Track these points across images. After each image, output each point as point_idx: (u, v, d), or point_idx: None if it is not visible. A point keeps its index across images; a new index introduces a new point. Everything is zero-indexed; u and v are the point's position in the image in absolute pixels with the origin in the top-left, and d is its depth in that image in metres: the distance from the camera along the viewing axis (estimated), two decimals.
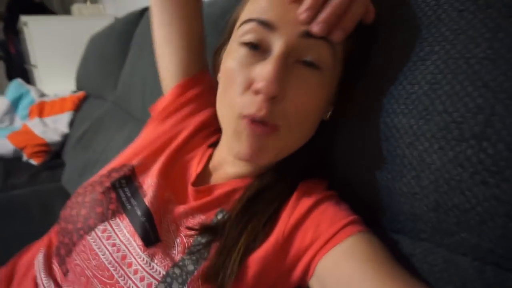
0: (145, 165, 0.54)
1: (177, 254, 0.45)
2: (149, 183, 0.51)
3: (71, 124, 1.81)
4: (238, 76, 0.42)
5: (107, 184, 0.51)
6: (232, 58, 0.44)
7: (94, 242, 0.46)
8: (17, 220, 1.13)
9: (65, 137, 1.75)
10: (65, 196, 1.31)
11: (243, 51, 0.43)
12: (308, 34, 0.40)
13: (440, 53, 0.39)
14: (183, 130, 0.59)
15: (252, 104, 0.41)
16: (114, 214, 0.48)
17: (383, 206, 0.46)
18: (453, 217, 0.37)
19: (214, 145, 0.58)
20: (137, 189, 0.51)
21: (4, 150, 1.67)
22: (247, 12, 0.44)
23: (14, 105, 2.02)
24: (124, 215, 0.48)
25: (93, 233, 0.46)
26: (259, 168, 0.51)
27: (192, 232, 0.46)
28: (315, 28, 0.39)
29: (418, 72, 0.41)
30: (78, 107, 1.88)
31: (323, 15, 0.39)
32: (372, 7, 0.42)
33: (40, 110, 1.91)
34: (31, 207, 1.20)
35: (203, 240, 0.45)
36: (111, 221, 0.47)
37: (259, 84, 0.39)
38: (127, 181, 0.52)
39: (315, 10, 0.39)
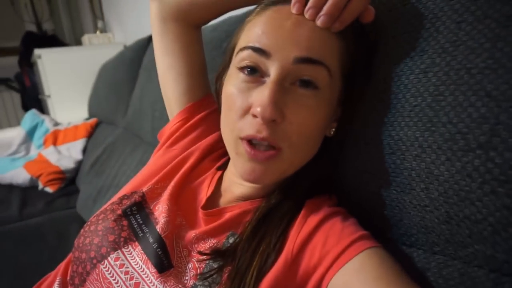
0: (155, 191, 0.55)
1: (190, 280, 0.45)
2: (160, 209, 0.52)
3: (84, 150, 1.84)
4: (237, 101, 0.44)
5: (119, 211, 0.51)
6: (232, 83, 0.46)
7: (107, 271, 0.46)
8: (33, 247, 1.15)
9: (79, 164, 1.78)
10: (80, 222, 1.33)
11: (241, 76, 0.44)
12: (300, 60, 0.41)
13: (441, 65, 0.39)
14: (191, 155, 0.59)
15: (251, 126, 0.42)
16: (126, 242, 0.48)
17: (394, 220, 0.46)
18: (465, 228, 0.37)
19: (223, 167, 0.59)
20: (148, 215, 0.52)
21: (21, 179, 1.71)
22: (244, 39, 0.46)
23: (30, 134, 2.07)
24: (136, 243, 0.48)
25: (106, 261, 0.47)
26: (266, 188, 0.51)
27: (204, 257, 0.46)
28: (318, 21, 0.41)
29: (420, 84, 0.41)
30: (91, 134, 1.92)
31: (326, 7, 0.40)
32: (372, 8, 0.43)
33: (55, 138, 1.96)
34: (46, 235, 1.22)
35: (215, 265, 0.45)
36: (123, 249, 0.47)
37: (256, 109, 0.41)
38: (138, 208, 0.52)
39: (318, 9, 0.41)
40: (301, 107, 0.42)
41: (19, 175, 1.72)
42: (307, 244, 0.44)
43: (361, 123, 0.48)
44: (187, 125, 0.63)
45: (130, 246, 0.48)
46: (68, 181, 1.74)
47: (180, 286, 0.44)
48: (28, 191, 1.65)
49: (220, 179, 0.57)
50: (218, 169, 0.59)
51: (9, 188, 1.69)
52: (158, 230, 0.49)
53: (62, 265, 0.58)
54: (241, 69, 0.44)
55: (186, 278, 0.45)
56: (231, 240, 0.48)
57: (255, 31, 0.44)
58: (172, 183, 0.55)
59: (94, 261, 0.47)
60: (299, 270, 0.43)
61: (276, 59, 0.41)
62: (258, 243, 0.45)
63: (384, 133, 0.44)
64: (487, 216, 0.34)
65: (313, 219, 0.45)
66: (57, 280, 0.55)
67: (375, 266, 0.39)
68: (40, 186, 1.67)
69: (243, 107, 0.43)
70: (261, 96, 0.41)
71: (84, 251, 0.49)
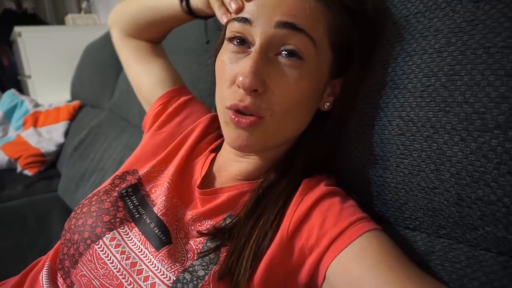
0: (151, 174, 0.55)
1: (187, 260, 0.44)
2: (157, 192, 0.52)
3: (66, 133, 1.78)
4: (227, 71, 0.45)
5: (114, 193, 0.51)
6: (223, 54, 0.47)
7: (102, 251, 0.45)
8: (13, 230, 1.11)
9: (61, 147, 1.73)
10: (61, 206, 1.29)
11: (231, 47, 0.45)
12: (283, 24, 0.41)
13: (457, 44, 0.38)
14: (186, 140, 0.60)
15: (235, 95, 0.43)
16: (122, 222, 0.48)
17: (399, 203, 0.45)
18: (476, 210, 0.36)
19: (216, 150, 0.58)
20: (144, 197, 0.52)
21: None
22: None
23: (8, 115, 1.99)
24: (132, 224, 0.48)
25: (100, 241, 0.46)
26: (262, 165, 0.51)
27: (201, 238, 0.46)
28: None
29: (434, 64, 0.40)
30: (73, 116, 1.85)
31: None
32: None
33: (35, 120, 1.88)
34: (26, 218, 1.18)
35: (213, 245, 0.45)
36: (119, 229, 0.47)
37: (239, 79, 0.42)
38: (134, 190, 0.52)
39: None
40: (284, 78, 0.43)
41: None
42: (304, 224, 0.43)
43: (368, 103, 0.47)
44: (170, 109, 0.64)
45: (126, 226, 0.48)
46: (49, 164, 1.69)
47: (177, 265, 0.43)
48: (6, 174, 1.60)
49: (213, 161, 0.57)
50: (212, 151, 0.58)
51: None
52: (155, 211, 0.49)
53: (51, 251, 0.57)
54: (231, 40, 0.45)
55: (183, 258, 0.45)
56: (228, 221, 0.48)
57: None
58: (171, 168, 0.55)
59: (88, 241, 0.46)
60: (295, 250, 0.42)
61: (259, 25, 0.42)
62: (256, 221, 0.45)
63: (393, 114, 0.44)
64: (502, 197, 0.34)
65: (310, 198, 0.45)
66: (45, 266, 0.52)
67: (375, 249, 0.38)
68: (19, 168, 1.61)
69: (231, 76, 0.44)
70: (244, 65, 0.42)
71: (76, 232, 0.48)
